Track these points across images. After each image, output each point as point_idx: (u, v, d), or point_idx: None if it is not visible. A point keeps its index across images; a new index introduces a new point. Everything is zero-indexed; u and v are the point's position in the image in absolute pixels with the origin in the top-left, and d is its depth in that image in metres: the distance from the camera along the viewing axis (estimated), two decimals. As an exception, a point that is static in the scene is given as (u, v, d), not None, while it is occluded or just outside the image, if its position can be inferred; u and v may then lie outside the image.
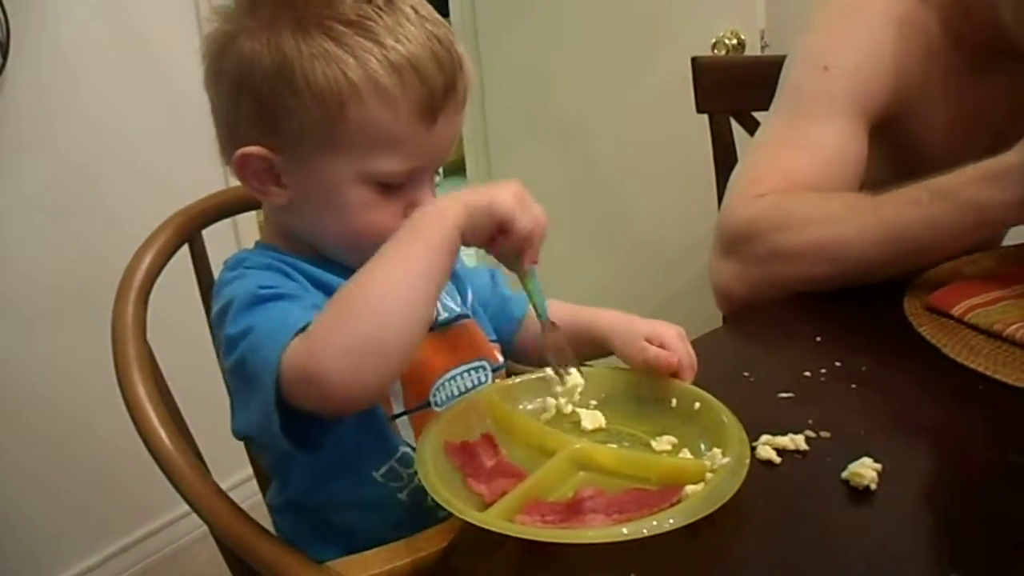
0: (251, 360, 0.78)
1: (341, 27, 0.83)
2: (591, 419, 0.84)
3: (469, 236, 0.79)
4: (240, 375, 0.81)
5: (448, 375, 0.94)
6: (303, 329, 0.76)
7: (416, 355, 0.81)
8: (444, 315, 0.97)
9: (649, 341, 0.90)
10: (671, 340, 0.90)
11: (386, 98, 0.82)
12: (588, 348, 0.98)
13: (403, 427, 0.91)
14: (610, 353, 0.96)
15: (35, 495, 2.04)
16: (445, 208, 0.80)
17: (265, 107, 0.86)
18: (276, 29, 0.84)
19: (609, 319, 0.97)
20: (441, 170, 0.94)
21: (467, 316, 1.00)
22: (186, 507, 0.94)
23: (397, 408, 0.91)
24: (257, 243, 0.98)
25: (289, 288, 0.85)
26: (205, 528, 0.97)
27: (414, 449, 0.87)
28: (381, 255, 0.78)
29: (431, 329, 0.94)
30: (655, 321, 0.93)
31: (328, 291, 0.88)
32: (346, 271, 0.86)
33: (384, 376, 0.79)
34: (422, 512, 0.86)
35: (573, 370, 0.87)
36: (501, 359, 1.02)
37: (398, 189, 0.87)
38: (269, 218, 0.98)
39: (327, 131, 0.84)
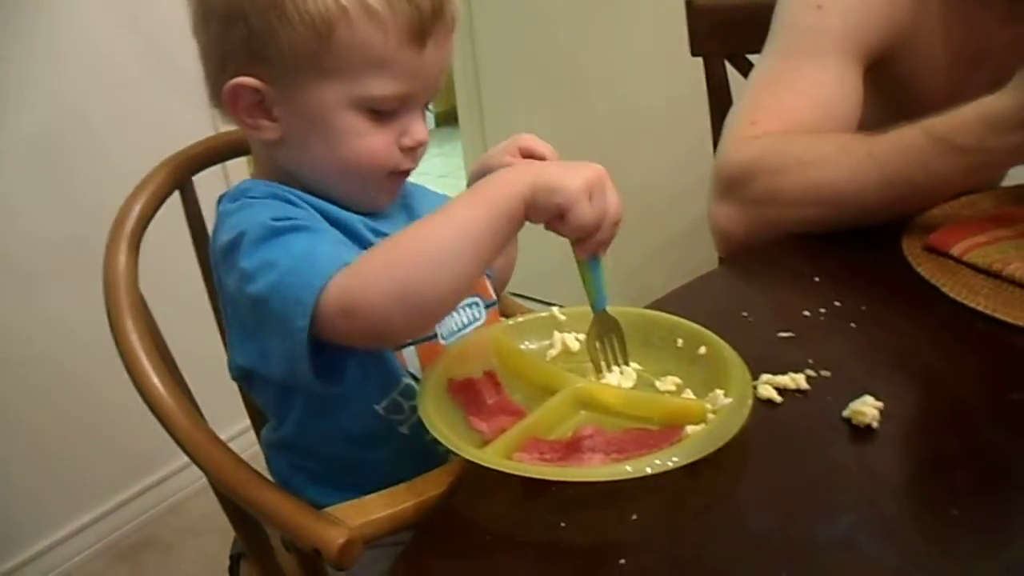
0: (276, 300, 0.76)
1: None
2: (623, 378, 0.83)
3: (531, 213, 0.76)
4: (258, 311, 0.79)
5: (451, 326, 0.94)
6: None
7: None
8: None
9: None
10: (532, 143, 0.97)
11: (375, 19, 0.81)
12: None
13: (410, 358, 0.91)
14: None
15: (32, 451, 2.03)
16: (516, 178, 0.77)
17: (255, 36, 0.84)
18: None
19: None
20: (433, 117, 0.94)
21: None
22: (182, 461, 0.94)
23: None
24: (252, 177, 0.97)
25: (302, 217, 0.84)
26: (201, 482, 0.97)
27: (418, 380, 0.87)
28: (444, 210, 0.77)
29: None
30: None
31: (333, 222, 0.88)
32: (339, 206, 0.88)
33: (429, 321, 0.84)
34: (422, 446, 0.85)
35: (617, 369, 0.84)
36: (494, 296, 1.03)
37: (389, 117, 0.87)
38: (259, 159, 0.96)
39: (317, 56, 0.83)
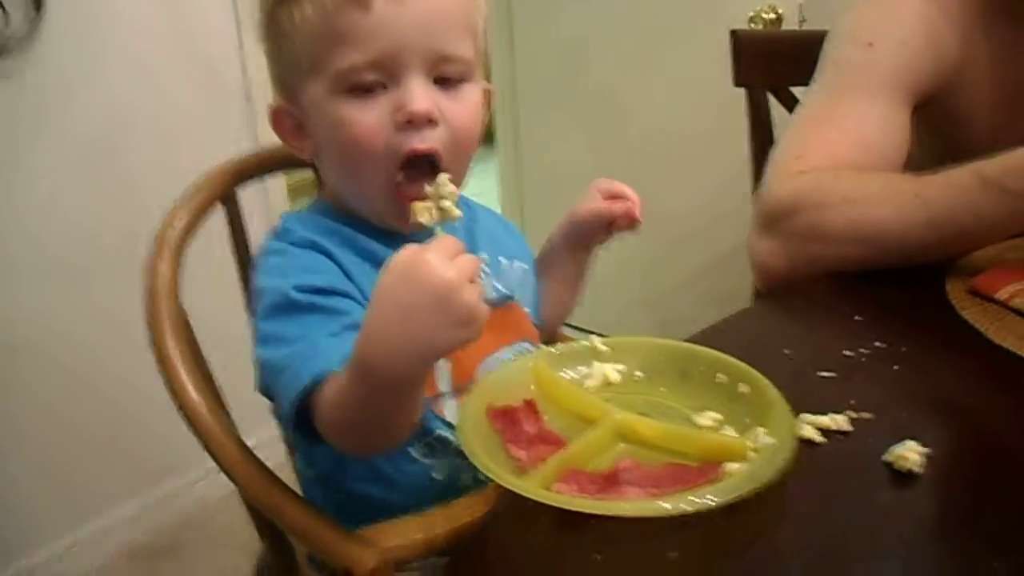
0: (279, 373, 0.83)
1: None
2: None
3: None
4: (266, 370, 0.86)
5: (494, 355, 0.94)
6: (325, 377, 0.79)
7: None
8: (492, 295, 0.97)
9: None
10: (615, 187, 1.02)
11: None
12: (569, 242, 1.08)
13: (448, 407, 0.91)
14: (589, 240, 1.07)
15: (45, 461, 2.05)
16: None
17: (271, 63, 0.93)
18: None
19: None
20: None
21: (511, 298, 1.01)
22: (202, 470, 0.95)
23: (443, 387, 0.91)
24: (316, 198, 1.01)
25: (328, 284, 0.86)
26: (220, 494, 0.98)
27: (452, 428, 0.87)
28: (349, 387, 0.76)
29: None
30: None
31: (367, 257, 0.90)
32: (390, 236, 0.90)
33: (387, 448, 0.88)
34: (456, 493, 0.86)
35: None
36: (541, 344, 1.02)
37: (375, 94, 0.86)
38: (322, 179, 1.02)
39: (297, 58, 0.88)
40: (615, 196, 1.02)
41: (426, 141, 0.87)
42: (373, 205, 0.92)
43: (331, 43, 0.85)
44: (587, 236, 1.06)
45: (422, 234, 0.92)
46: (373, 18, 0.84)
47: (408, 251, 0.71)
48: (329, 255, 0.89)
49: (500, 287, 1.00)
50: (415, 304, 0.69)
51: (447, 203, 0.82)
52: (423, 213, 0.81)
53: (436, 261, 0.69)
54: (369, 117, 0.86)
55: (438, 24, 0.86)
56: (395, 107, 0.86)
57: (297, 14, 0.86)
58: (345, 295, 0.86)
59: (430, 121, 0.86)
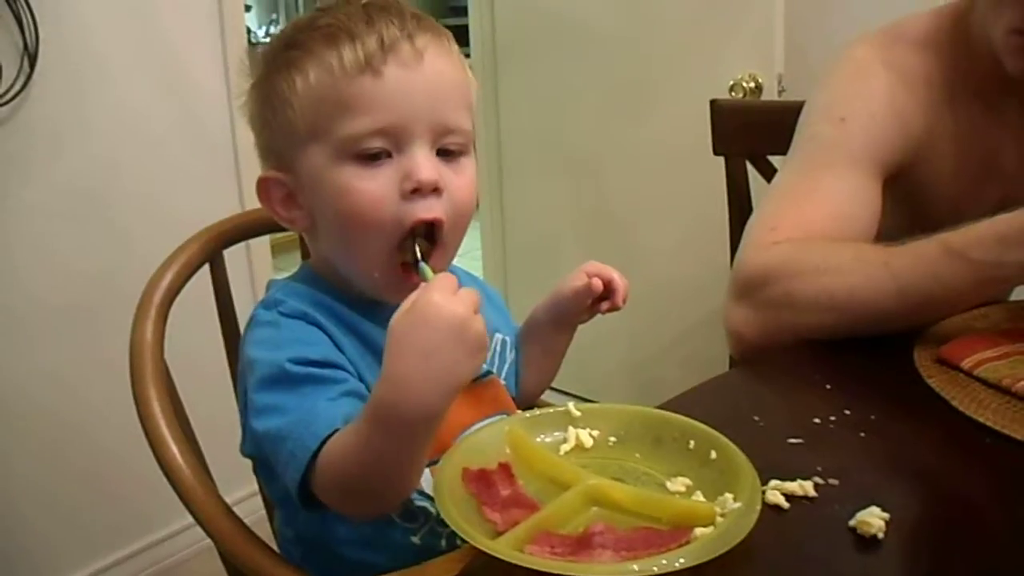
0: (279, 443, 0.82)
1: (303, 35, 0.88)
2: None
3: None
4: (266, 443, 0.85)
5: (470, 430, 0.95)
6: (331, 435, 0.79)
7: None
8: None
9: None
10: (603, 269, 1.03)
11: (320, 61, 0.85)
12: (553, 318, 1.09)
13: (425, 478, 0.91)
14: (572, 317, 1.08)
15: (34, 504, 2.05)
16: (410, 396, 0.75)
17: (260, 130, 0.92)
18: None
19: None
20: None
21: (491, 372, 1.02)
22: (183, 522, 0.96)
23: None
24: (302, 265, 1.01)
25: (321, 356, 0.86)
26: (201, 544, 0.99)
27: (430, 498, 0.88)
28: (367, 437, 0.77)
29: None
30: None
31: (351, 330, 0.91)
32: (375, 311, 0.90)
33: (391, 506, 0.88)
34: (434, 557, 0.86)
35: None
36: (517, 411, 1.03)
37: (381, 161, 0.86)
38: (311, 250, 1.00)
39: (294, 125, 0.87)
40: (603, 280, 1.03)
41: (432, 211, 0.87)
42: (369, 274, 0.90)
43: (337, 110, 0.85)
44: (571, 314, 1.07)
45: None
46: (384, 85, 0.84)
47: (413, 296, 0.75)
48: (320, 326, 0.89)
49: None
50: (434, 342, 0.73)
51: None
52: None
53: (442, 300, 0.74)
54: (374, 186, 0.85)
55: (444, 95, 0.88)
56: (401, 176, 0.86)
57: (299, 80, 0.86)
58: (339, 366, 0.87)
59: (435, 190, 0.87)
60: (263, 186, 0.93)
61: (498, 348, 1.07)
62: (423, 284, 0.79)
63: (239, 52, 2.15)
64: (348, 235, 0.89)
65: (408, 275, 0.88)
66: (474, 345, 0.75)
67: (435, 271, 0.87)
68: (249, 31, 2.29)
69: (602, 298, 1.04)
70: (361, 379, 0.89)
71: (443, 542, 0.92)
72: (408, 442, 0.77)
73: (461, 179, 0.90)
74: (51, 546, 2.10)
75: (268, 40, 0.94)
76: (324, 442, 0.79)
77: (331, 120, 0.85)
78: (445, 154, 0.89)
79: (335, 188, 0.86)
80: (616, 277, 1.04)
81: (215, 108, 2.23)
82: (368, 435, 0.76)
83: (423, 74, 0.86)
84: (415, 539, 0.92)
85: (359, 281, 0.93)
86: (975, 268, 1.02)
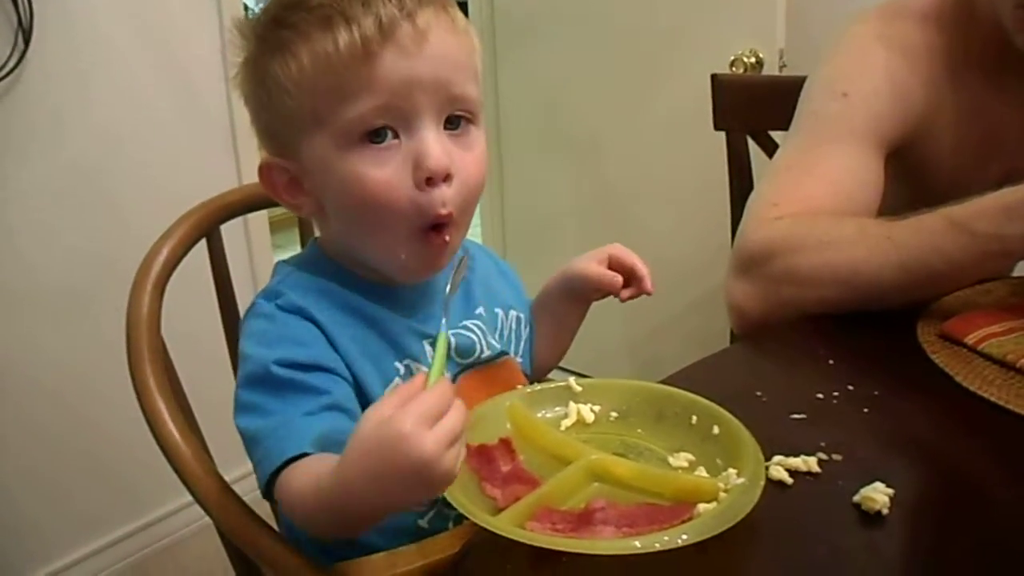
0: (255, 443, 0.83)
1: (294, 16, 0.84)
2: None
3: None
4: (245, 440, 0.85)
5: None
6: (298, 457, 0.78)
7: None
8: (487, 352, 0.98)
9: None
10: (625, 256, 1.03)
11: (313, 46, 0.82)
12: (567, 293, 1.08)
13: None
14: (587, 295, 1.08)
15: (30, 484, 2.05)
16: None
17: (258, 113, 0.89)
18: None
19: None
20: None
21: (506, 353, 1.01)
22: (180, 501, 0.96)
23: None
24: (310, 243, 0.99)
25: (310, 359, 0.85)
26: (199, 523, 0.98)
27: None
28: (347, 481, 0.71)
29: (473, 366, 0.97)
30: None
31: (352, 313, 0.90)
32: (384, 293, 0.90)
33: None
34: None
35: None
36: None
37: (388, 144, 0.83)
38: (320, 233, 0.99)
39: (294, 112, 0.85)
40: (625, 268, 1.03)
41: (447, 205, 0.85)
42: (395, 257, 0.88)
43: (336, 96, 0.82)
44: (588, 293, 1.07)
45: (412, 290, 0.94)
46: (384, 71, 0.81)
47: (385, 413, 0.67)
48: (316, 322, 0.87)
49: (496, 343, 1.00)
50: (388, 477, 0.66)
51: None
52: None
53: (412, 433, 0.64)
54: (385, 172, 0.83)
55: (449, 73, 0.84)
56: (412, 162, 0.83)
57: (294, 66, 0.83)
58: (328, 370, 0.85)
59: (446, 177, 0.84)
60: (265, 172, 0.91)
61: (512, 325, 1.06)
62: (409, 385, 0.70)
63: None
64: (365, 223, 0.87)
65: (436, 236, 0.86)
66: (434, 484, 0.67)
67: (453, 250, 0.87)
68: (246, 7, 2.26)
69: (624, 285, 1.03)
70: (353, 374, 0.87)
71: (450, 524, 0.91)
72: (358, 524, 0.78)
73: (471, 157, 0.87)
74: (46, 526, 2.10)
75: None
76: (290, 461, 0.78)
77: (331, 107, 0.82)
78: (453, 125, 0.86)
79: (345, 177, 0.84)
80: (639, 264, 1.03)
81: (212, 83, 2.22)
82: (323, 494, 0.73)
83: (426, 56, 0.83)
84: (422, 522, 0.91)
85: (381, 264, 0.91)
86: (979, 241, 1.02)
